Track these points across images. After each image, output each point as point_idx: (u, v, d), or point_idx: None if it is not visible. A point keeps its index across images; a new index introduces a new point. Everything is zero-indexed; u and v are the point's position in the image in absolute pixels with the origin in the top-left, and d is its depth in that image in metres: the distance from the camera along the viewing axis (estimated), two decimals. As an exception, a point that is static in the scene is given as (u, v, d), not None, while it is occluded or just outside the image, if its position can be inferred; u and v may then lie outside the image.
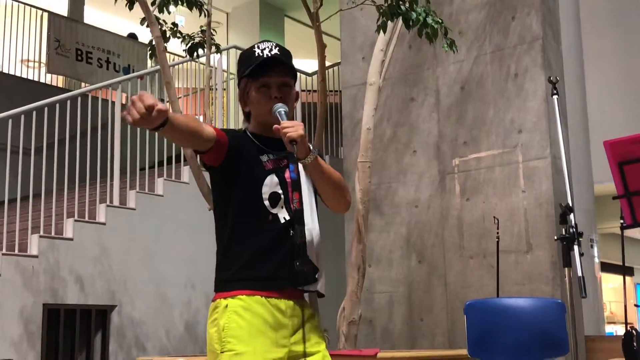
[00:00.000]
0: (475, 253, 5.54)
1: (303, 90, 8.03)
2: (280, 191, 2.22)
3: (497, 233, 5.08)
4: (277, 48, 2.28)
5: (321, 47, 4.55)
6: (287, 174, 2.25)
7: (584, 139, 6.37)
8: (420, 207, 5.90)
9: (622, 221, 3.29)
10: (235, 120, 8.18)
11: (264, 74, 2.24)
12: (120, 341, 5.93)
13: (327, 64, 8.29)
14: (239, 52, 7.62)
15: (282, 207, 2.21)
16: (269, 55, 2.24)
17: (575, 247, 2.81)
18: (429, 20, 4.39)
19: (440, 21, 4.55)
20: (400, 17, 4.40)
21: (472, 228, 5.59)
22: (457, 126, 5.78)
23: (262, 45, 2.29)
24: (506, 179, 5.48)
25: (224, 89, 7.96)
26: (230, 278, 2.21)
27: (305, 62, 10.48)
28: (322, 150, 7.70)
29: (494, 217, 5.22)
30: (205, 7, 4.86)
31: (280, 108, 2.19)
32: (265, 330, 2.13)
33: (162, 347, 6.15)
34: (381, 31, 4.65)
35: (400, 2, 4.32)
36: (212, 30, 5.13)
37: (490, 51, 5.69)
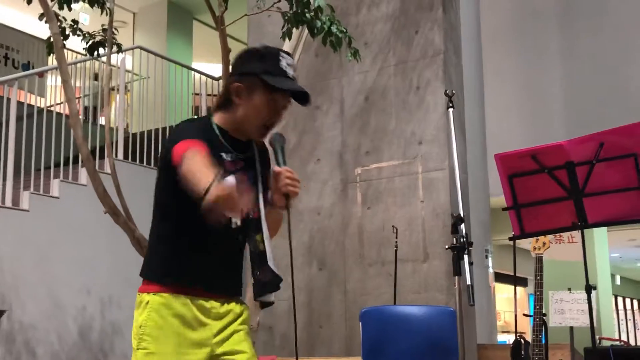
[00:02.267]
0: (374, 261, 5.62)
1: (209, 95, 7.96)
2: None
3: (396, 242, 5.17)
4: (295, 71, 2.22)
5: (225, 52, 4.51)
6: (242, 177, 2.10)
7: (482, 152, 6.57)
8: (323, 214, 5.94)
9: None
10: (136, 121, 8.01)
11: (283, 90, 2.14)
12: (10, 346, 5.68)
13: (235, 69, 8.25)
14: (143, 52, 7.49)
15: None
16: (294, 76, 2.19)
17: (465, 257, 2.87)
18: (334, 29, 4.43)
19: (344, 30, 4.60)
20: (306, 25, 4.42)
21: (372, 236, 5.66)
22: (360, 136, 5.85)
23: (287, 59, 2.19)
24: (406, 189, 5.58)
25: (128, 90, 7.79)
26: (160, 273, 2.15)
27: (212, 66, 10.39)
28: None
29: (393, 226, 5.31)
30: (108, 5, 4.74)
31: (281, 142, 2.18)
32: (182, 330, 2.09)
33: (53, 353, 5.94)
34: (287, 38, 4.67)
35: (306, 10, 4.34)
36: (114, 30, 5.02)
37: (394, 63, 5.80)
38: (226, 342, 2.17)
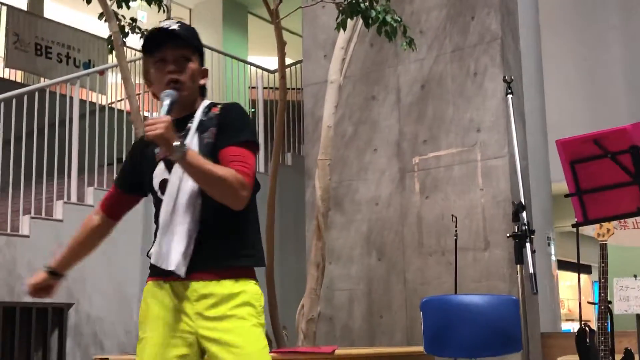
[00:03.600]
0: (434, 250, 5.59)
1: (265, 88, 8.02)
2: (167, 176, 2.16)
3: (456, 231, 5.13)
4: (178, 25, 2.20)
5: (281, 45, 4.55)
6: None
7: (542, 138, 6.45)
8: (381, 204, 5.93)
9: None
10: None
11: (160, 49, 2.15)
12: (78, 339, 5.86)
13: (290, 61, 8.30)
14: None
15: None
16: (165, 29, 2.15)
17: (527, 245, 2.84)
18: (388, 18, 4.41)
19: (399, 19, 4.58)
20: (360, 15, 4.41)
21: (431, 226, 5.63)
22: (417, 124, 5.82)
23: (162, 24, 2.21)
24: (465, 177, 5.53)
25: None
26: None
27: (269, 60, 10.46)
28: (283, 148, 7.70)
29: (453, 215, 5.27)
30: (164, 2, 4.82)
31: (166, 97, 2.10)
32: (164, 315, 2.13)
33: (120, 345, 6.10)
34: (341, 29, 4.67)
35: (360, 1, 4.34)
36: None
37: (450, 50, 5.74)
38: (212, 327, 2.08)
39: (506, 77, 3.19)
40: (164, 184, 2.17)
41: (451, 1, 5.76)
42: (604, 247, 4.12)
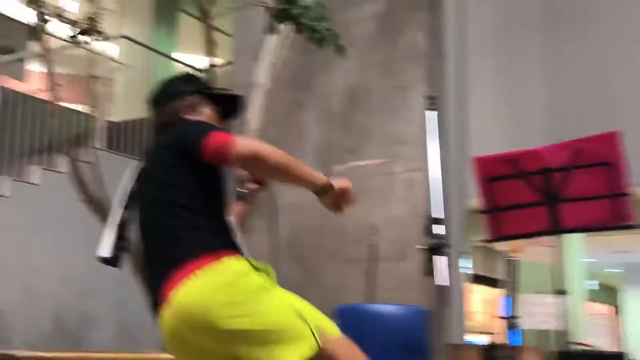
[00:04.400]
0: (352, 259, 5.65)
1: (193, 87, 7.93)
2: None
3: (374, 240, 5.20)
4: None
5: (210, 45, 4.52)
6: None
7: (462, 154, 6.61)
8: (302, 211, 5.94)
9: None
10: (120, 109, 7.97)
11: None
12: (-18, 334, 5.66)
13: (221, 62, 8.24)
14: (129, 42, 7.46)
15: None
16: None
17: (440, 258, 2.90)
18: (319, 26, 4.45)
19: (330, 28, 4.62)
20: (291, 21, 4.43)
21: (351, 234, 5.69)
22: (342, 133, 5.87)
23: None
24: (386, 188, 5.61)
25: (111, 79, 7.75)
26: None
27: (197, 58, 10.35)
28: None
29: (372, 224, 5.34)
30: (94, -7, 4.73)
31: None
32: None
33: (29, 342, 5.92)
34: (272, 33, 4.68)
35: (293, 7, 4.35)
36: (100, 18, 5.00)
37: (377, 63, 5.82)
38: None
39: (427, 93, 3.27)
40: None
41: (381, 14, 5.85)
42: (514, 263, 4.25)
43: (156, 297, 2.07)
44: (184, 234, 2.10)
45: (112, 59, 7.55)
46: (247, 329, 2.01)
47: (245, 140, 2.20)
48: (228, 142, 2.11)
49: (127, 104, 7.78)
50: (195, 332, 2.02)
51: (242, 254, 2.21)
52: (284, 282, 6.00)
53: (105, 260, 2.24)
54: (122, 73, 7.68)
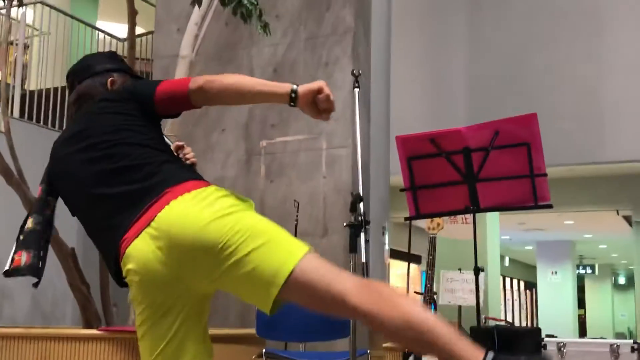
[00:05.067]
0: (274, 234, 5.64)
1: (114, 56, 7.72)
2: None
3: (297, 216, 5.21)
4: None
5: (132, 14, 4.40)
6: None
7: (385, 131, 6.67)
8: (225, 185, 5.85)
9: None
10: (37, 77, 7.70)
11: None
12: None
13: (142, 31, 8.05)
14: (45, 7, 7.18)
15: None
16: None
17: (362, 235, 2.94)
18: (244, 0, 4.39)
19: (255, 2, 4.56)
20: (217, -7, 4.35)
21: (274, 210, 5.68)
22: (267, 108, 5.83)
23: None
24: (310, 164, 5.62)
25: (27, 46, 7.47)
26: None
27: (119, 27, 10.08)
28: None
29: (295, 200, 5.34)
30: (9, -45, 4.52)
31: None
32: None
33: None
34: (197, 5, 4.58)
35: (218, -22, 4.27)
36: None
37: (304, 38, 5.79)
38: None
39: (354, 71, 3.27)
40: None
41: (309, -11, 5.81)
42: (433, 240, 4.34)
43: (120, 242, 1.95)
44: (159, 169, 2.03)
45: (28, 26, 7.27)
46: (240, 230, 1.92)
47: (199, 78, 2.14)
48: (178, 82, 2.15)
49: (45, 72, 7.51)
50: (182, 247, 1.89)
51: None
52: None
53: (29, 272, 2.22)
54: (40, 40, 7.40)
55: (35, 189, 4.26)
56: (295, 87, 2.09)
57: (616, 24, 7.42)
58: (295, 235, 5.14)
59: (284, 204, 5.63)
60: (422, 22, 8.61)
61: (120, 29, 9.20)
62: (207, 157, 5.97)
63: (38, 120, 6.73)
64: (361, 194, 3.03)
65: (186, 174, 2.07)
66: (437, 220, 4.41)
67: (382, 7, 6.58)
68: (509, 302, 21.76)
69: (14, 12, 5.33)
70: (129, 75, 2.42)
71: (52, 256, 4.32)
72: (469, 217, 5.57)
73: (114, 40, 7.94)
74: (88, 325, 4.46)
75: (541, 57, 7.60)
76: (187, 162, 2.44)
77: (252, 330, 4.08)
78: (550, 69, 7.55)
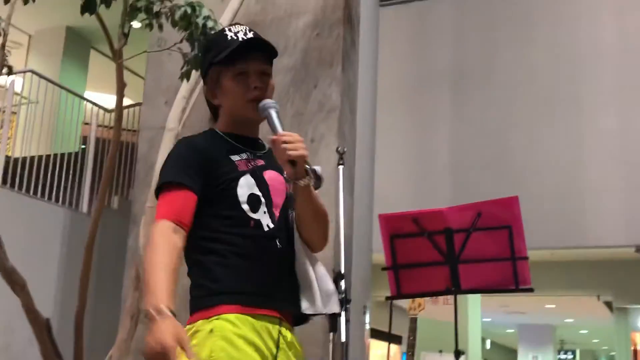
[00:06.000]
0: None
1: (100, 126, 7.78)
2: (258, 193, 1.91)
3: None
4: (252, 32, 1.97)
5: (121, 86, 4.44)
6: (267, 175, 1.97)
7: (368, 209, 6.69)
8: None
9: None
10: (22, 145, 7.70)
11: (241, 60, 1.93)
12: None
13: (131, 102, 8.13)
14: (34, 77, 7.25)
15: (264, 213, 1.91)
16: (244, 38, 1.92)
17: (343, 314, 2.89)
18: (233, 75, 4.44)
19: (243, 78, 4.62)
20: (205, 68, 4.40)
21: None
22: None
23: (234, 29, 1.98)
24: (291, 240, 5.58)
25: (14, 113, 7.50)
26: (213, 291, 1.86)
27: (107, 97, 10.18)
28: (110, 190, 7.45)
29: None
30: (2, 26, 4.57)
31: (272, 107, 1.91)
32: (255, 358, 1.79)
33: None
34: (185, 79, 4.64)
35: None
36: (7, 51, 4.83)
37: (290, 115, 5.86)
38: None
39: (339, 148, 3.29)
40: (253, 199, 1.90)
41: (296, 67, 5.92)
42: (413, 321, 4.30)
43: None
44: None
45: (16, 94, 7.32)
46: None
47: (156, 225, 1.84)
48: (158, 209, 1.88)
49: (30, 140, 7.52)
50: None
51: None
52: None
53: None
54: (27, 109, 7.44)
55: (17, 258, 4.20)
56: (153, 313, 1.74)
57: (597, 109, 7.58)
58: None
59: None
60: (407, 102, 8.75)
61: (109, 100, 9.29)
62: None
63: (20, 188, 6.70)
64: (343, 271, 3.00)
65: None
66: (418, 300, 4.37)
67: (368, 86, 6.71)
68: (489, 386, 21.41)
69: (2, 79, 5.37)
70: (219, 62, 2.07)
71: (26, 326, 4.23)
72: (450, 298, 5.54)
73: (102, 111, 8.00)
74: (59, 400, 4.33)
75: (523, 140, 7.72)
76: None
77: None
78: (532, 151, 7.66)
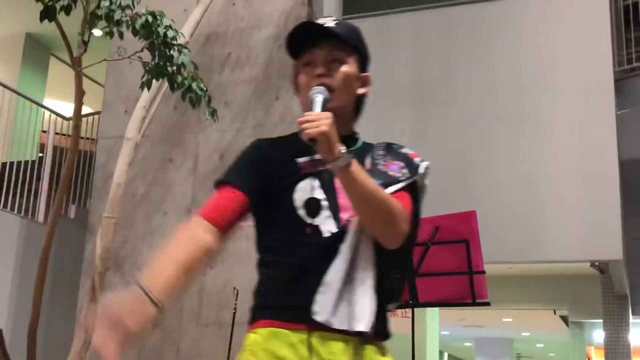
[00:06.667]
0: (212, 322, 5.52)
1: (57, 134, 7.67)
2: (321, 197, 1.71)
3: (235, 304, 5.11)
4: (335, 22, 1.80)
5: (79, 94, 4.39)
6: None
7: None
8: (163, 270, 5.79)
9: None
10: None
11: (307, 50, 1.78)
12: None
13: (89, 110, 8.02)
14: (-8, 83, 7.11)
15: (326, 217, 1.70)
16: (313, 25, 1.77)
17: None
18: (194, 86, 4.43)
19: (204, 89, 4.61)
20: (166, 78, 4.38)
21: (212, 296, 5.58)
22: (211, 193, 5.80)
23: (303, 25, 1.79)
24: (251, 251, 5.55)
25: (-31, 120, 7.35)
26: (257, 305, 1.75)
27: (68, 106, 10.04)
28: (67, 199, 7.34)
29: (234, 287, 5.26)
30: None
31: (317, 94, 1.70)
32: None
33: None
34: (146, 88, 4.61)
35: (168, 64, 4.32)
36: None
37: (252, 125, 5.85)
38: None
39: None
40: (312, 204, 1.71)
41: (259, 79, 5.92)
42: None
43: None
44: None
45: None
46: None
47: (188, 220, 1.77)
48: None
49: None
50: None
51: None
52: (140, 346, 5.80)
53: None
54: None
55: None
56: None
57: (555, 127, 7.71)
58: (233, 324, 5.04)
59: (223, 290, 5.53)
60: (367, 117, 8.77)
61: (68, 108, 9.16)
62: (146, 241, 5.87)
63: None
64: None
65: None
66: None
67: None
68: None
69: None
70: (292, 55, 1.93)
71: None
72: (409, 311, 5.56)
73: (60, 119, 7.88)
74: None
75: (483, 156, 7.81)
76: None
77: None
78: (491, 167, 7.75)
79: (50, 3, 3.86)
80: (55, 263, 5.91)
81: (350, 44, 1.82)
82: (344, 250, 1.65)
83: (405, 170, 1.81)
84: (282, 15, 5.89)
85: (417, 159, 1.88)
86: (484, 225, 3.45)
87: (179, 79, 4.33)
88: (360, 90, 1.88)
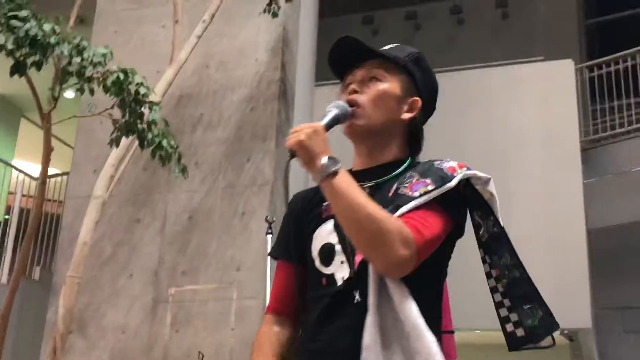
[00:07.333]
0: (176, 388, 5.36)
1: (25, 195, 7.56)
2: (334, 240, 1.56)
3: (201, 369, 4.98)
4: (396, 44, 1.73)
5: (47, 149, 4.35)
6: None
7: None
8: (128, 333, 5.64)
9: None
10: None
11: (349, 73, 1.68)
12: None
13: (58, 172, 7.95)
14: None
15: (341, 263, 1.54)
16: (340, 49, 1.65)
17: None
18: (164, 143, 4.41)
19: (175, 146, 4.59)
20: (136, 135, 4.36)
21: (177, 361, 5.43)
22: (179, 255, 5.73)
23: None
24: (218, 315, 5.46)
25: None
26: None
27: (37, 167, 9.93)
28: (32, 260, 7.18)
29: (200, 352, 5.13)
30: None
31: (333, 107, 1.59)
32: None
33: None
34: (115, 145, 4.57)
35: (138, 121, 4.30)
36: None
37: (222, 187, 5.82)
38: None
39: (268, 217, 3.28)
40: (326, 250, 1.56)
41: (230, 140, 5.92)
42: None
43: None
44: None
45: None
46: None
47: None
48: None
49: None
50: None
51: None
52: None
53: None
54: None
55: None
56: None
57: (521, 197, 7.77)
58: (198, 388, 4.89)
59: (188, 355, 5.39)
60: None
61: (37, 169, 9.07)
62: (111, 303, 5.74)
63: None
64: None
65: None
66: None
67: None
68: None
69: None
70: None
71: None
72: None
73: (27, 179, 7.79)
74: None
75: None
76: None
77: None
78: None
79: (22, 58, 3.85)
80: (18, 325, 5.74)
81: (397, 63, 1.67)
82: (370, 302, 1.44)
83: (431, 187, 1.55)
84: (256, 77, 5.94)
85: (456, 172, 1.61)
86: (454, 290, 3.40)
87: (149, 136, 4.31)
88: (406, 115, 1.67)
